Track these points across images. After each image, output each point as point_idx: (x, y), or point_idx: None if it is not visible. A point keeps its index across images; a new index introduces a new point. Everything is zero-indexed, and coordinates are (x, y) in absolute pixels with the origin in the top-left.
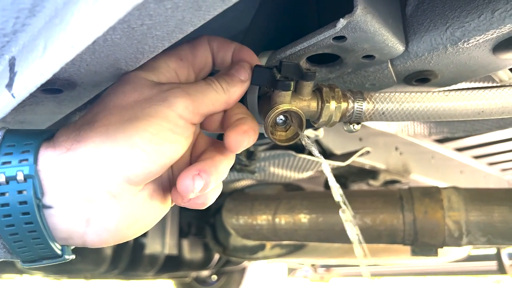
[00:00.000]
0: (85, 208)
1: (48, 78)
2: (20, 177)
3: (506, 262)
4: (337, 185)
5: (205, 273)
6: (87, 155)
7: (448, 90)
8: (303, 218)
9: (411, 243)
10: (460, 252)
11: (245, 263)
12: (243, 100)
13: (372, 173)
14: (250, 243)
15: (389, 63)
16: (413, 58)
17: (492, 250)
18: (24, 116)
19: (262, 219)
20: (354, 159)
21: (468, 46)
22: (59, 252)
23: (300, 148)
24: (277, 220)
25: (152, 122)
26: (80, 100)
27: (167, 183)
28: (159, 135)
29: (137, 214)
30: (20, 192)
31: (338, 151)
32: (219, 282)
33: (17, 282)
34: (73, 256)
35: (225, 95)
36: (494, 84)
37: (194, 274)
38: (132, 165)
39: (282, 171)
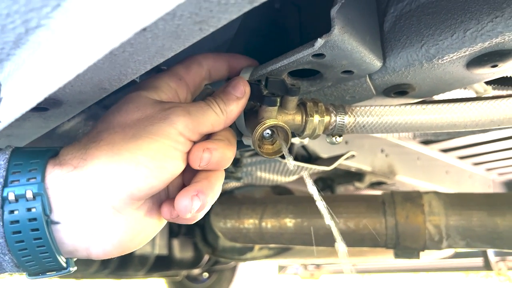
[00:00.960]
0: (90, 223)
1: (33, 106)
2: (29, 195)
3: (491, 259)
4: (317, 193)
5: (196, 271)
6: (93, 173)
7: (425, 103)
8: (289, 222)
9: (393, 247)
10: (447, 250)
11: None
12: None
13: (358, 175)
14: (239, 244)
15: (368, 77)
16: (391, 73)
17: None
18: (11, 131)
19: (249, 223)
20: (339, 163)
21: (442, 62)
22: (64, 265)
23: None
24: (263, 224)
25: (154, 139)
26: (66, 116)
27: (164, 199)
28: (161, 152)
29: (138, 228)
30: (29, 209)
31: (324, 154)
32: (210, 279)
33: (7, 281)
34: (76, 268)
35: (223, 116)
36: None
37: (184, 272)
38: (136, 181)
39: (268, 175)
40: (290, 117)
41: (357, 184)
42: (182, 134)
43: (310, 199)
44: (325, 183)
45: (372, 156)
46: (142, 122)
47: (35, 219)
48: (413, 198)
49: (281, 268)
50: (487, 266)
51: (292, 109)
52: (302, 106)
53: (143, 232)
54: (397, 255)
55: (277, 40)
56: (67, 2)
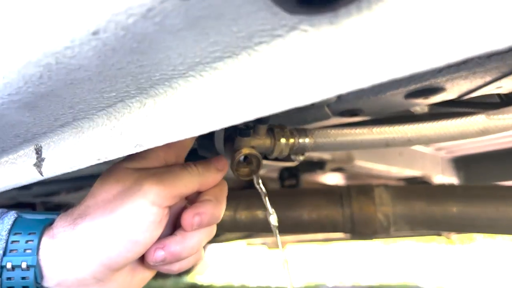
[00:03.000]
0: None
1: (72, 169)
2: (24, 266)
3: None
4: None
5: None
6: (77, 247)
7: (372, 126)
8: (260, 214)
9: (350, 232)
10: None
11: None
12: (212, 141)
13: (320, 163)
14: None
15: (326, 106)
16: (344, 102)
17: None
18: None
19: (225, 215)
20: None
21: (385, 96)
22: None
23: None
24: (238, 216)
25: (127, 215)
26: None
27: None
28: (134, 226)
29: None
30: (23, 278)
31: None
32: None
33: None
34: None
35: (199, 178)
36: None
37: None
38: (110, 255)
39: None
40: (261, 142)
41: (319, 172)
42: (154, 204)
43: (278, 193)
44: (290, 172)
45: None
46: (120, 196)
47: (27, 287)
48: (366, 191)
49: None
50: (437, 232)
51: (262, 134)
52: (270, 132)
53: None
54: (353, 238)
55: None
56: None
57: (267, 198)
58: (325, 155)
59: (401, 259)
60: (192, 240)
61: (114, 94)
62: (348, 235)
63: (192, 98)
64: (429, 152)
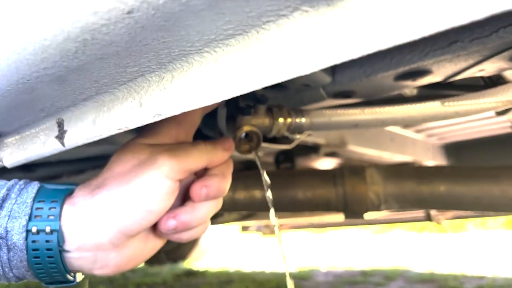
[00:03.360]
0: (92, 253)
1: (92, 139)
2: (48, 230)
3: (432, 212)
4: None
5: None
6: (95, 215)
7: (363, 106)
8: (258, 194)
9: (343, 210)
10: None
11: None
12: (215, 120)
13: (314, 148)
14: None
15: (321, 87)
16: (338, 84)
17: None
18: None
19: (224, 196)
20: (298, 142)
21: (376, 78)
22: (72, 279)
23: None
24: (236, 196)
25: (143, 186)
26: None
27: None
28: (148, 196)
29: (132, 255)
30: (47, 241)
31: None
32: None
33: None
34: (82, 277)
35: (208, 155)
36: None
37: None
38: (127, 223)
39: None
40: (261, 121)
41: (314, 155)
42: (167, 176)
43: (274, 175)
44: (286, 156)
45: (326, 131)
46: (135, 169)
47: (51, 249)
48: (358, 172)
49: (244, 227)
50: (428, 217)
51: (262, 114)
52: (269, 112)
53: (137, 257)
54: (346, 217)
55: None
56: None
57: (264, 172)
58: (320, 140)
59: (393, 247)
60: (200, 210)
61: (136, 68)
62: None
63: (206, 71)
64: (420, 138)
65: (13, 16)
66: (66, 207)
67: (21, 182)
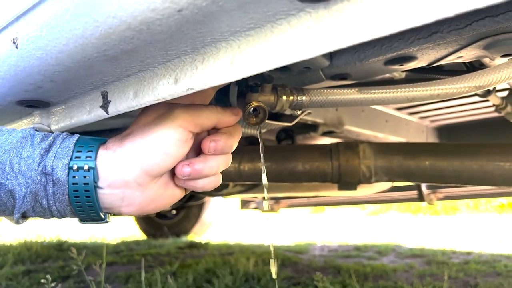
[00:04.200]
0: (120, 190)
1: (133, 109)
2: (85, 167)
3: (424, 192)
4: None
5: (167, 207)
6: (124, 157)
7: (357, 86)
8: (261, 166)
9: (337, 182)
10: (384, 184)
11: (204, 199)
12: (227, 96)
13: (313, 126)
14: None
15: (320, 70)
16: (335, 67)
17: None
18: None
19: (230, 167)
20: (298, 120)
21: (368, 62)
22: (103, 217)
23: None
24: (242, 167)
25: (160, 132)
26: None
27: None
28: (165, 141)
29: (154, 197)
30: (85, 177)
31: (287, 112)
32: (178, 216)
33: None
34: (111, 220)
35: (218, 115)
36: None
37: None
38: (149, 163)
39: (244, 129)
40: (266, 98)
41: (312, 134)
42: (181, 126)
43: (277, 148)
44: (286, 133)
45: (324, 111)
46: (155, 120)
47: (87, 183)
48: (352, 147)
49: (244, 203)
50: (421, 197)
51: (268, 92)
52: (274, 90)
53: (158, 200)
54: (340, 188)
55: None
56: None
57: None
58: (318, 119)
59: (387, 227)
60: (211, 162)
61: (175, 51)
62: (337, 194)
63: (230, 55)
64: (414, 120)
65: (86, 10)
66: (101, 151)
67: (64, 133)
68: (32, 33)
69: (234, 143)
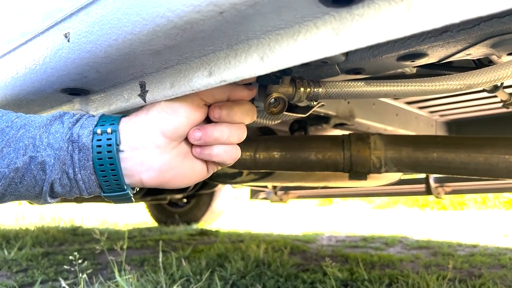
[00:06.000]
0: (140, 152)
1: (169, 98)
2: (109, 131)
3: (432, 185)
4: None
5: (178, 196)
6: (142, 120)
7: (369, 81)
8: (276, 154)
9: (348, 171)
10: (393, 176)
11: (215, 188)
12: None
13: (325, 118)
14: (231, 170)
15: (336, 65)
16: (350, 63)
17: (421, 175)
18: None
19: (246, 155)
20: (312, 111)
21: (381, 58)
22: (125, 187)
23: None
24: (257, 155)
25: (178, 103)
26: None
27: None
28: (180, 107)
29: (172, 163)
30: (108, 139)
31: (302, 103)
32: (189, 204)
33: None
34: (133, 192)
35: (230, 87)
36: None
37: (170, 196)
38: (166, 125)
39: (259, 119)
40: (285, 89)
41: (324, 125)
42: (198, 96)
43: (291, 138)
44: (300, 124)
45: (337, 103)
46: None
47: (110, 145)
48: (363, 138)
49: (253, 193)
50: (428, 191)
51: (287, 83)
52: (293, 82)
53: (178, 168)
54: (350, 177)
55: None
56: None
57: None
58: (331, 111)
59: (395, 220)
60: (221, 128)
61: (211, 47)
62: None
63: (260, 51)
64: (424, 114)
65: (136, 10)
66: (123, 119)
67: (89, 113)
68: (84, 28)
69: (243, 115)
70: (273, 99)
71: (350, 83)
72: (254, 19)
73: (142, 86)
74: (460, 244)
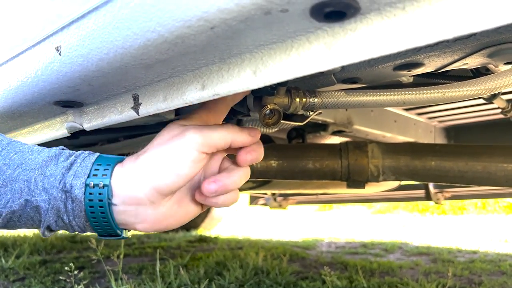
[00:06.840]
0: (134, 207)
1: (162, 112)
2: (101, 185)
3: (432, 191)
4: None
5: None
6: (137, 174)
7: (366, 90)
8: (273, 163)
9: (346, 180)
10: (392, 183)
11: None
12: (245, 98)
13: (323, 125)
14: None
15: (332, 74)
16: (346, 72)
17: None
18: None
19: None
20: (309, 119)
21: (378, 68)
22: (120, 233)
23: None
24: (254, 164)
25: (172, 153)
26: None
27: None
28: (176, 161)
29: (167, 214)
30: (99, 193)
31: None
32: None
33: None
34: (129, 235)
35: (233, 135)
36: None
37: None
38: (160, 182)
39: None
40: (281, 100)
41: (322, 133)
42: (193, 148)
43: (288, 147)
44: (297, 132)
45: (335, 111)
46: (168, 141)
47: (102, 200)
48: (361, 146)
49: (253, 199)
50: (428, 197)
51: (282, 94)
52: (288, 92)
53: (173, 217)
54: (348, 186)
55: None
56: None
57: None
58: (328, 119)
59: (395, 226)
60: (235, 176)
61: (204, 61)
62: (345, 192)
63: (253, 65)
64: (423, 120)
65: (127, 25)
66: (117, 168)
67: (86, 152)
68: (76, 42)
69: (261, 154)
70: (268, 110)
71: (346, 93)
72: (246, 33)
73: (135, 99)
74: (460, 250)
